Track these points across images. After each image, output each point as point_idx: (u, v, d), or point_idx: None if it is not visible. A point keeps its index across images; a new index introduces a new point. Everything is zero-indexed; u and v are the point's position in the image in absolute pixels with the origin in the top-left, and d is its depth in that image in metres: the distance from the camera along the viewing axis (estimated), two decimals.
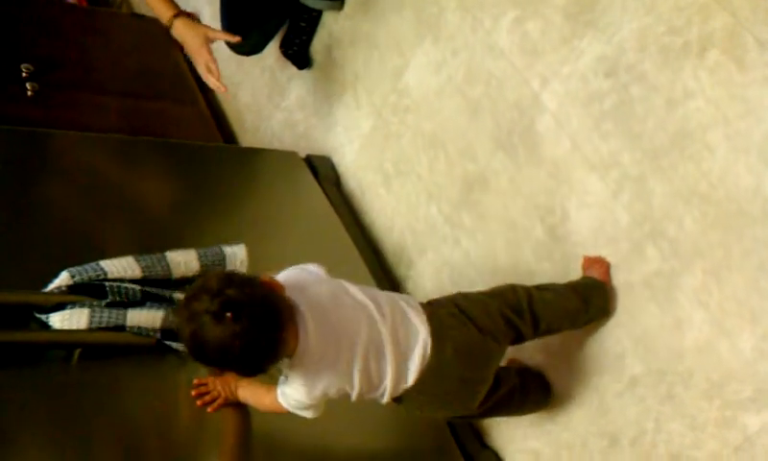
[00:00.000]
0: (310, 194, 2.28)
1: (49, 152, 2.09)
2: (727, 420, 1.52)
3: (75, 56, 2.72)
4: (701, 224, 1.56)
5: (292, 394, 1.35)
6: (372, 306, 1.38)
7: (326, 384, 1.33)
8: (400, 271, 2.20)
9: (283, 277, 1.36)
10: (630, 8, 1.66)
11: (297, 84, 2.61)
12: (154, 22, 2.27)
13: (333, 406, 1.44)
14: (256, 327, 1.21)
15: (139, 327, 1.55)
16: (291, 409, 1.38)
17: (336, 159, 2.47)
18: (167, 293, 1.60)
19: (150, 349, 1.56)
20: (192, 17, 2.12)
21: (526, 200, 1.87)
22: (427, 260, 2.13)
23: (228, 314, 1.18)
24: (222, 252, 1.71)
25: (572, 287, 1.65)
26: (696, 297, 1.56)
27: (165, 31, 2.15)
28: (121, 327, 1.53)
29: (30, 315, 1.52)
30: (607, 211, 1.70)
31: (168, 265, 1.65)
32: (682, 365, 1.58)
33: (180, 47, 2.24)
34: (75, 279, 1.55)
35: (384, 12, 2.28)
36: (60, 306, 1.51)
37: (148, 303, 1.58)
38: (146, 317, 1.55)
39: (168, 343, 1.56)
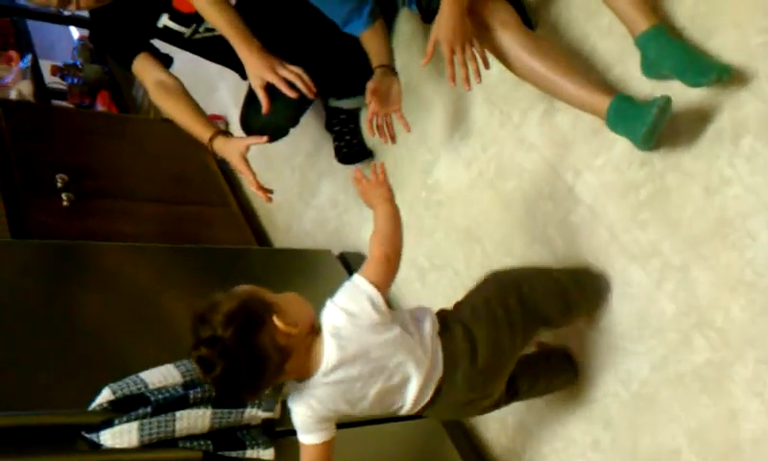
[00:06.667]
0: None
1: (87, 264, 2.11)
2: None
3: (108, 164, 2.78)
4: (749, 312, 1.53)
5: (299, 414, 1.41)
6: (417, 341, 1.44)
7: (333, 407, 1.40)
8: None
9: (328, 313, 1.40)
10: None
11: (327, 182, 2.64)
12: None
13: None
14: (227, 384, 1.30)
15: (190, 438, 1.54)
16: (299, 430, 1.43)
17: None
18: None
19: None
20: (226, 134, 2.16)
21: None
22: None
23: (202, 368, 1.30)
24: None
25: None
26: (749, 387, 1.53)
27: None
28: (172, 440, 1.52)
29: (76, 434, 1.51)
30: (651, 302, 1.69)
31: None
32: (740, 458, 1.54)
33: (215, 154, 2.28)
34: (117, 394, 1.55)
35: (412, 109, 2.31)
36: (108, 422, 1.51)
37: (194, 404, 1.57)
38: (195, 417, 1.55)
39: (220, 453, 1.54)
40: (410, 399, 1.46)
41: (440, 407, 1.50)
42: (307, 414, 1.39)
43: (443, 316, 1.54)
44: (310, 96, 1.95)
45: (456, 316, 1.55)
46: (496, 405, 1.66)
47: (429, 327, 1.48)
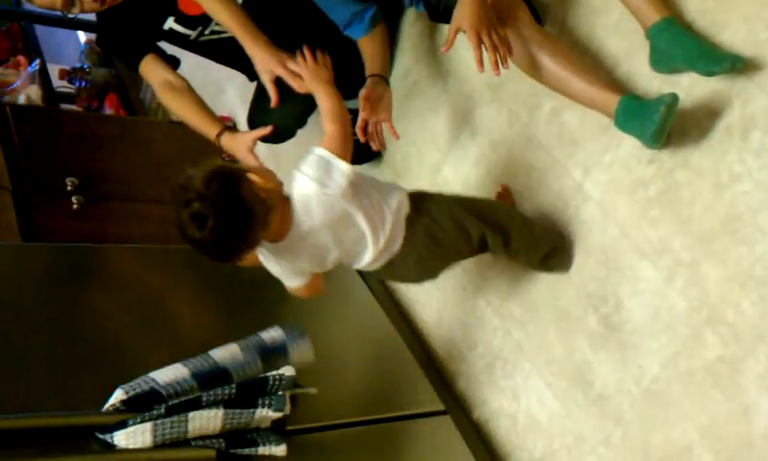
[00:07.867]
0: (354, 288, 2.29)
1: (97, 267, 2.12)
2: None
3: (117, 166, 2.78)
4: (760, 307, 1.53)
5: (272, 270, 1.65)
6: (377, 212, 1.59)
7: (299, 266, 1.63)
8: (451, 366, 2.18)
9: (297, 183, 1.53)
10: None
11: None
12: (191, 128, 2.34)
13: None
14: (221, 234, 1.40)
15: (202, 437, 1.55)
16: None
17: None
18: (226, 391, 1.59)
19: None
20: (232, 129, 2.19)
21: (577, 289, 1.86)
22: (478, 354, 2.10)
23: (195, 224, 1.39)
24: (260, 338, 1.74)
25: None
26: (761, 382, 1.53)
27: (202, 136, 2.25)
28: (185, 440, 1.53)
29: (90, 435, 1.52)
30: (661, 298, 1.69)
31: (215, 362, 1.66)
32: (753, 454, 1.54)
33: (222, 152, 2.30)
34: (129, 394, 1.55)
35: (420, 109, 2.32)
36: (121, 423, 1.51)
37: (206, 405, 1.58)
38: (207, 418, 1.55)
39: (233, 451, 1.55)
40: (364, 262, 1.65)
41: (390, 270, 1.70)
42: (280, 272, 1.64)
43: (415, 199, 1.68)
44: None
45: (427, 211, 1.68)
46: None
47: (396, 204, 1.62)
